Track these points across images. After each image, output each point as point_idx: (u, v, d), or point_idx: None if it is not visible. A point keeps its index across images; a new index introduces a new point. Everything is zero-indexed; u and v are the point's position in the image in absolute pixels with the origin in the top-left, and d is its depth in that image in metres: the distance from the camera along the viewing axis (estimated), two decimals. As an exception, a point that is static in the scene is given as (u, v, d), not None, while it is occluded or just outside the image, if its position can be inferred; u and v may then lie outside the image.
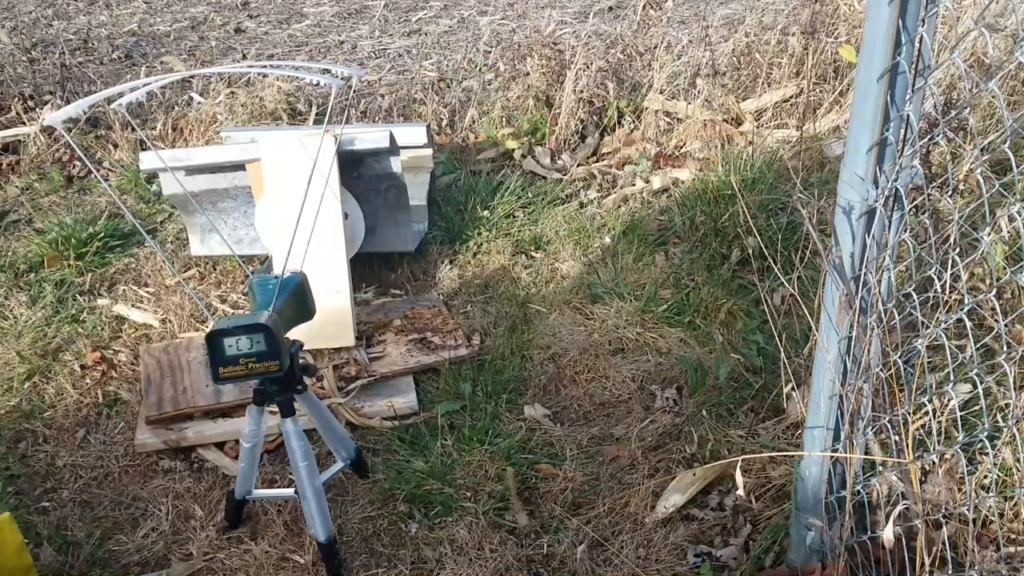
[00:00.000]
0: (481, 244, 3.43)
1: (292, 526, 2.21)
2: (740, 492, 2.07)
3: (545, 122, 4.20)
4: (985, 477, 1.88)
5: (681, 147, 4.02)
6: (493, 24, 5.72)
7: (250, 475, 2.10)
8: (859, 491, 1.72)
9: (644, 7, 5.18)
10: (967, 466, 1.69)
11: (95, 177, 4.12)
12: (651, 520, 2.16)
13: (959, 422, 1.51)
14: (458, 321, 2.97)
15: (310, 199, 2.73)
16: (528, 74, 4.32)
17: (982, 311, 2.02)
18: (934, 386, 1.64)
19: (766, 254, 2.73)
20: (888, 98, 1.40)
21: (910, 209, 1.48)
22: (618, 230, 3.41)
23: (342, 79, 2.02)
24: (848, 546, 1.72)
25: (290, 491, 2.07)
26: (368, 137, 2.94)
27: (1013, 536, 1.83)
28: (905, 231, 1.50)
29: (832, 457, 1.73)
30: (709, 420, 2.44)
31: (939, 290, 1.46)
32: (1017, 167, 1.21)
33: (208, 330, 1.78)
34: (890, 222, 1.47)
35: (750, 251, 3.04)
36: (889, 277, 1.52)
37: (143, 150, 3.84)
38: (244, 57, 5.53)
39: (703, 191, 3.37)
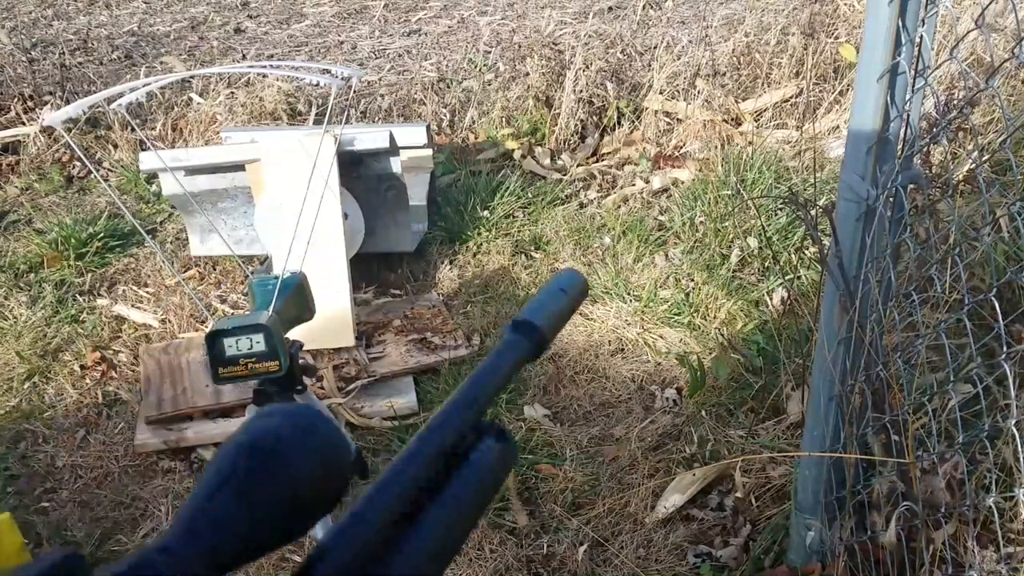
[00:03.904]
0: (481, 244, 3.43)
1: (292, 526, 2.21)
2: (739, 494, 2.07)
3: (545, 122, 4.20)
4: (985, 477, 1.88)
5: (681, 147, 4.02)
6: (493, 24, 5.72)
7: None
8: (859, 491, 1.72)
9: (644, 7, 5.19)
10: (967, 466, 1.69)
11: (95, 177, 4.12)
12: (651, 520, 2.16)
13: (959, 422, 1.51)
14: (458, 321, 2.97)
15: (310, 199, 2.73)
16: (528, 74, 4.32)
17: (982, 311, 2.02)
18: (935, 386, 1.64)
19: (766, 254, 2.73)
20: (888, 98, 1.40)
21: (910, 209, 1.48)
22: (618, 230, 3.41)
23: (342, 79, 2.02)
24: (848, 546, 1.72)
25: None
26: (368, 137, 2.94)
27: (1013, 536, 1.83)
28: (905, 231, 1.50)
29: (832, 457, 1.73)
30: (709, 420, 2.44)
31: (939, 290, 1.46)
32: (1017, 167, 1.21)
33: (208, 330, 1.78)
34: (890, 222, 1.47)
35: (750, 251, 3.04)
36: (889, 277, 1.52)
37: (143, 150, 3.85)
38: (244, 57, 5.53)
39: (703, 191, 3.37)
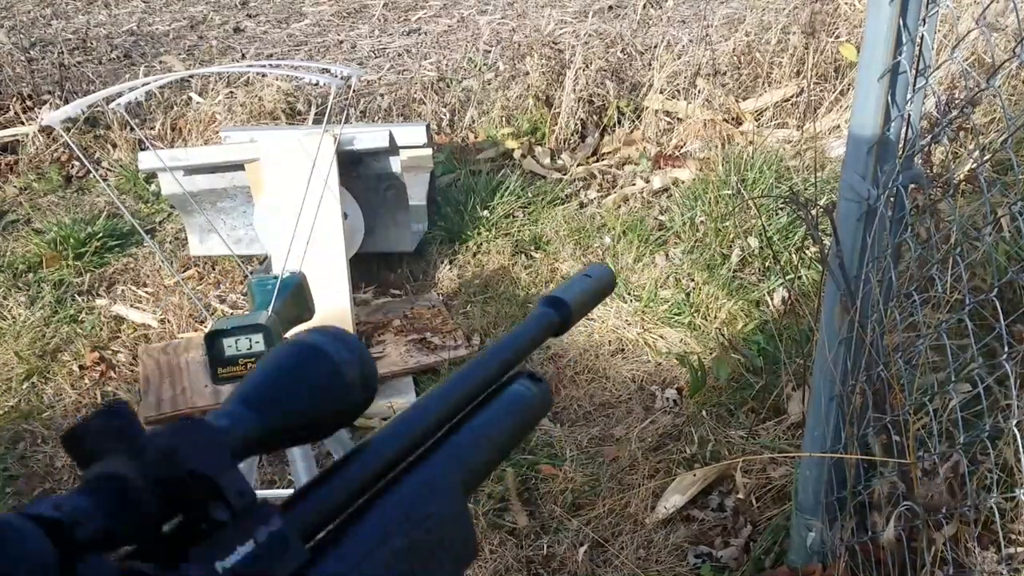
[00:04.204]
0: (481, 244, 3.43)
1: (291, 527, 2.20)
2: (739, 494, 2.06)
3: (545, 122, 4.19)
4: (986, 477, 1.87)
5: (681, 147, 4.01)
6: (493, 23, 5.72)
7: (249, 476, 2.09)
8: (860, 492, 1.71)
9: (644, 6, 5.18)
10: (968, 466, 1.69)
11: (94, 177, 4.11)
12: (651, 521, 2.15)
13: (960, 422, 1.51)
14: (458, 321, 2.97)
15: (309, 199, 2.72)
16: (528, 74, 4.31)
17: (983, 311, 2.01)
18: (936, 386, 1.64)
19: (767, 254, 2.72)
20: (889, 98, 1.40)
21: (911, 209, 1.48)
22: (618, 230, 3.40)
23: (341, 79, 2.02)
24: (849, 547, 1.72)
25: (290, 492, 2.06)
26: (367, 137, 2.93)
27: (1014, 537, 1.83)
28: (906, 231, 1.49)
29: (833, 458, 1.73)
30: (709, 421, 2.44)
31: (940, 290, 1.45)
32: (1018, 167, 1.20)
33: (207, 330, 1.77)
34: (891, 222, 1.46)
35: (751, 251, 3.04)
36: (890, 277, 1.52)
37: (142, 150, 3.84)
38: (243, 56, 5.53)
39: (703, 191, 3.36)
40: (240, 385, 0.43)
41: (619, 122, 4.19)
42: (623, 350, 2.80)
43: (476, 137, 4.27)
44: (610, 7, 5.97)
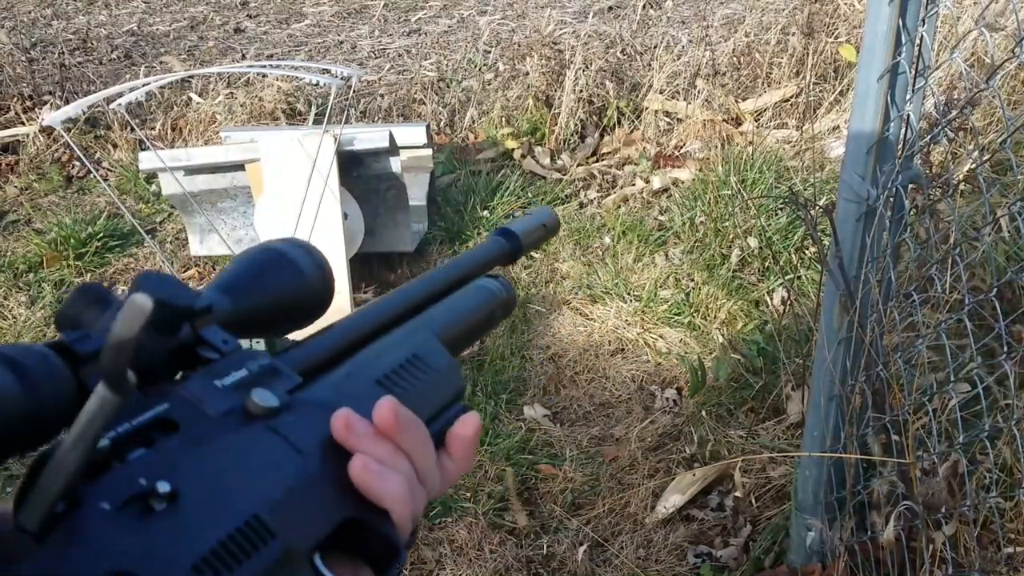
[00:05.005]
0: (481, 244, 3.43)
1: (291, 526, 2.20)
2: (739, 494, 2.07)
3: (545, 122, 4.19)
4: (985, 477, 1.88)
5: (681, 147, 4.01)
6: (493, 24, 5.72)
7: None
8: (859, 492, 1.72)
9: (644, 7, 5.18)
10: (968, 466, 1.69)
11: (94, 177, 4.11)
12: (651, 520, 2.15)
13: (959, 422, 1.51)
14: (458, 321, 2.97)
15: (309, 199, 2.73)
16: (528, 74, 4.32)
17: (983, 311, 2.02)
18: (935, 386, 1.64)
19: (766, 254, 2.73)
20: (888, 98, 1.40)
21: (910, 209, 1.48)
22: (618, 230, 3.41)
23: (341, 79, 2.03)
24: (848, 547, 1.72)
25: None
26: (368, 137, 2.93)
27: (1013, 536, 1.83)
28: (905, 231, 1.50)
29: (832, 458, 1.73)
30: (709, 420, 2.44)
31: (939, 290, 1.46)
32: (1018, 167, 1.21)
33: (207, 330, 1.77)
34: (890, 222, 1.46)
35: (750, 251, 3.04)
36: (890, 277, 1.52)
37: (142, 150, 3.84)
38: (243, 57, 5.53)
39: (703, 191, 3.37)
40: (218, 274, 0.49)
41: (619, 122, 4.20)
42: (623, 350, 2.80)
43: (476, 137, 4.27)
44: (610, 7, 5.97)
